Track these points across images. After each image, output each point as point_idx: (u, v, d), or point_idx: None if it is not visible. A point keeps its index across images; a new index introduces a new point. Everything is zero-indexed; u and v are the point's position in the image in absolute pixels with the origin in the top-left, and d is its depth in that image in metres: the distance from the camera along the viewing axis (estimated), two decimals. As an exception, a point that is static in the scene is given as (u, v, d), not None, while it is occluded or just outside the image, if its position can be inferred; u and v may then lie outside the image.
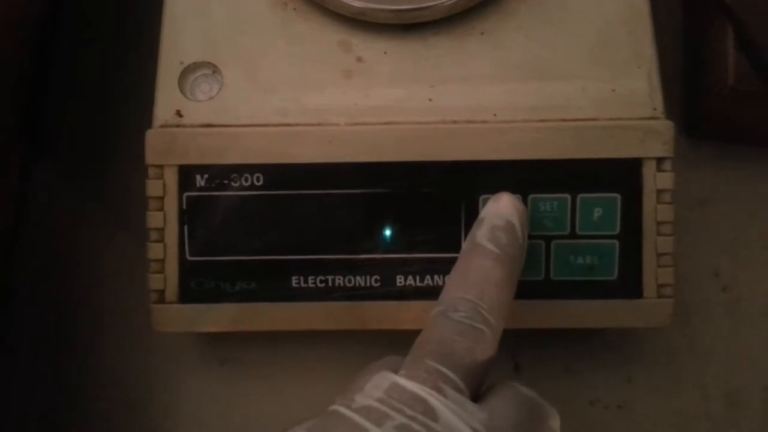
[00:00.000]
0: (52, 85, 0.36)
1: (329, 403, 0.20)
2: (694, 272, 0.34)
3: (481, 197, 0.27)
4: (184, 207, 0.27)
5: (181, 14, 0.30)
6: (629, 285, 0.28)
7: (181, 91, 0.29)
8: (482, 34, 0.30)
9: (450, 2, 0.29)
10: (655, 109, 0.28)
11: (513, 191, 0.27)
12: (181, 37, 0.29)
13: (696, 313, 0.34)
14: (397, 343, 0.32)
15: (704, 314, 0.34)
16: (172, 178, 0.27)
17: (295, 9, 0.30)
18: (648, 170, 0.27)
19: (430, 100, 0.29)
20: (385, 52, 0.29)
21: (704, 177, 0.36)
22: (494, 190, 0.27)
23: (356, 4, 0.29)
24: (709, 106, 0.35)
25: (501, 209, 0.25)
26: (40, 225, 0.34)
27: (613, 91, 0.29)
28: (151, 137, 0.27)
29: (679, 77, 0.37)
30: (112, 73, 0.36)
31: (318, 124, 0.28)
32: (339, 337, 0.29)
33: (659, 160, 0.27)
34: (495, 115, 0.28)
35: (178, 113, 0.28)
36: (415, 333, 0.28)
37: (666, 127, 0.28)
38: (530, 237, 0.27)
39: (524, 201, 0.27)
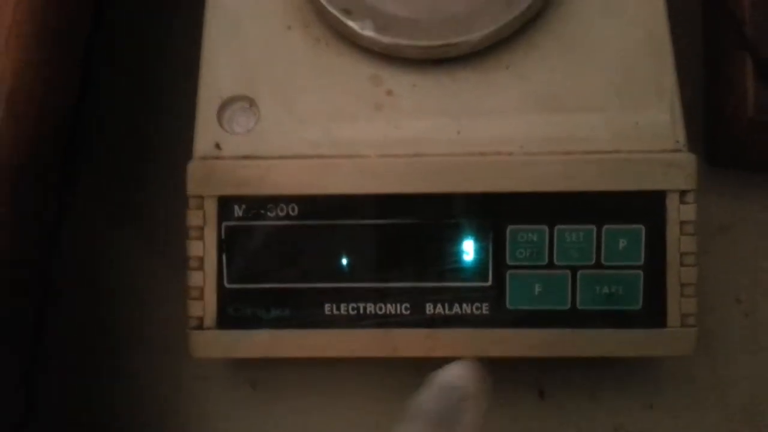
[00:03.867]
0: (92, 118, 0.38)
1: (357, 429, 0.20)
2: (716, 298, 0.35)
3: (509, 227, 0.28)
4: (223, 236, 0.28)
5: (219, 50, 0.31)
6: (653, 314, 0.28)
7: (220, 124, 0.30)
8: (508, 67, 0.31)
9: (477, 38, 0.30)
10: (677, 141, 0.29)
11: (539, 222, 0.28)
12: (219, 72, 0.31)
13: (718, 339, 0.34)
14: (426, 371, 0.33)
15: (726, 340, 0.34)
16: (211, 208, 0.28)
17: (327, 44, 0.31)
18: (671, 202, 0.28)
19: (458, 132, 0.30)
20: (414, 86, 0.30)
21: (724, 204, 0.36)
22: (521, 220, 0.28)
23: (386, 40, 0.30)
24: (728, 135, 0.36)
25: (450, 377, 0.23)
26: (77, 253, 0.36)
27: (636, 123, 0.29)
28: (192, 169, 0.29)
29: (699, 106, 0.37)
30: (148, 106, 0.37)
31: (349, 156, 0.29)
32: (369, 364, 0.30)
33: (682, 193, 0.28)
34: (521, 147, 0.29)
35: (217, 146, 0.29)
36: (444, 360, 0.29)
37: (689, 160, 0.28)
38: (556, 267, 0.28)
39: (551, 232, 0.28)
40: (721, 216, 0.36)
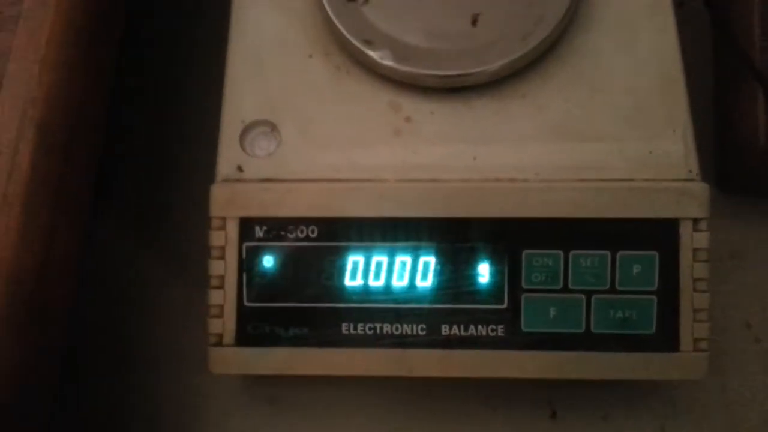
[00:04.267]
0: (117, 142, 0.39)
1: None
2: (726, 323, 0.35)
3: (524, 252, 0.29)
4: (244, 256, 0.29)
5: (242, 76, 0.32)
6: (666, 339, 0.29)
7: (242, 147, 0.31)
8: (524, 97, 0.31)
9: (494, 68, 0.31)
10: (690, 171, 0.30)
11: (554, 247, 0.29)
12: (241, 97, 0.32)
13: (729, 363, 0.35)
14: (441, 390, 0.34)
15: (737, 365, 0.35)
16: (233, 229, 0.29)
17: (347, 72, 0.32)
18: (685, 230, 0.29)
19: (474, 158, 0.30)
20: (432, 113, 0.31)
21: (735, 230, 0.37)
22: (537, 245, 0.29)
23: (405, 69, 0.31)
24: (740, 164, 0.36)
25: None
26: (102, 273, 0.37)
27: (650, 153, 0.30)
28: (216, 191, 0.29)
29: (709, 132, 0.38)
30: (171, 129, 0.39)
31: (368, 180, 0.30)
32: (385, 383, 0.31)
33: (695, 221, 0.29)
34: (536, 174, 0.30)
35: (239, 168, 0.30)
36: (459, 380, 0.29)
37: (702, 189, 0.29)
38: (571, 291, 0.29)
39: (566, 256, 0.29)
40: (732, 242, 0.37)
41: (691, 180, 0.30)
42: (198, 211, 0.30)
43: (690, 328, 0.29)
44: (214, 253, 0.29)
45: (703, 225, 0.29)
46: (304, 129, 0.31)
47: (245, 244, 0.29)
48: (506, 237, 0.29)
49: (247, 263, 0.29)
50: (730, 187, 0.37)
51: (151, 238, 0.37)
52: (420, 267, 0.29)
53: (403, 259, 0.29)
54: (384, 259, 0.29)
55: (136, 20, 0.39)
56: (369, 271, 0.29)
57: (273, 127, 0.31)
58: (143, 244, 0.37)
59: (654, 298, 0.29)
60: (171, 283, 0.36)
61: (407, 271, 0.29)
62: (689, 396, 0.34)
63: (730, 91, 0.37)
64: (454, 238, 0.29)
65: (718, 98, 0.39)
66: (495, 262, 0.29)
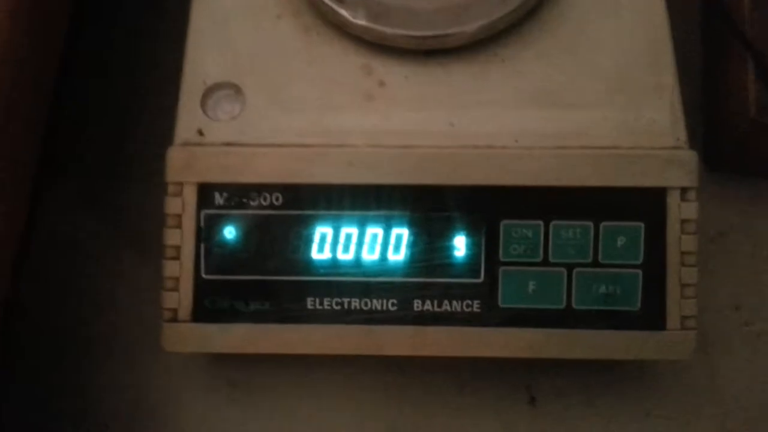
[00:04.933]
0: (69, 104, 0.36)
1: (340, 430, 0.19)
2: (714, 304, 0.34)
3: (502, 222, 0.27)
4: (202, 225, 0.27)
5: (205, 35, 0.30)
6: (652, 316, 0.27)
7: (203, 110, 0.29)
8: (503, 61, 0.30)
9: (471, 30, 0.29)
10: (678, 139, 0.28)
11: (534, 218, 0.27)
12: (204, 58, 0.30)
13: (716, 345, 0.33)
14: (412, 371, 0.32)
15: (724, 347, 0.33)
16: (191, 195, 0.27)
17: (318, 34, 0.30)
18: (672, 200, 0.27)
19: (451, 124, 0.29)
20: (407, 77, 0.29)
21: (723, 208, 0.35)
22: (516, 215, 0.27)
23: (378, 29, 0.29)
24: (728, 137, 0.35)
25: None
26: (51, 243, 0.34)
27: (635, 120, 0.28)
28: (172, 154, 0.27)
29: (697, 108, 0.37)
30: (128, 93, 0.36)
31: (338, 145, 0.28)
32: (353, 362, 0.29)
33: (683, 190, 0.27)
34: (516, 141, 0.28)
35: (200, 132, 0.28)
36: (432, 360, 0.27)
37: (690, 156, 0.27)
38: (551, 264, 0.27)
39: (546, 228, 0.27)
40: (720, 221, 0.35)
41: (680, 148, 0.28)
42: (157, 181, 0.28)
43: (677, 305, 0.27)
44: (170, 221, 0.27)
45: (691, 195, 0.27)
46: (271, 92, 0.29)
47: (203, 212, 0.27)
48: (483, 206, 0.27)
49: (206, 232, 0.27)
50: (719, 164, 0.36)
51: (104, 210, 0.34)
52: (392, 238, 0.27)
53: (374, 230, 0.27)
54: (353, 230, 0.27)
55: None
56: (337, 242, 0.27)
57: (237, 90, 0.29)
58: (96, 216, 0.34)
59: (639, 272, 0.27)
60: (125, 257, 0.33)
61: (378, 243, 0.27)
62: (676, 380, 0.33)
63: (718, 61, 0.36)
64: (427, 207, 0.27)
65: (706, 70, 0.37)
66: (471, 233, 0.27)
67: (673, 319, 0.27)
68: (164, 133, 0.28)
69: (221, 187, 0.27)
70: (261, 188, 0.27)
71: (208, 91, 0.29)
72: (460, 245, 0.27)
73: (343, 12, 0.29)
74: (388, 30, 0.29)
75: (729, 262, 0.34)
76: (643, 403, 0.32)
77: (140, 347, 0.32)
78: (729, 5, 0.34)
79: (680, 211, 0.27)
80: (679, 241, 0.27)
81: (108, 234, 0.34)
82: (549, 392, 0.32)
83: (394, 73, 0.29)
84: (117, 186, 0.35)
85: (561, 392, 0.32)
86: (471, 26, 0.29)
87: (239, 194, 0.27)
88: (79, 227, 0.34)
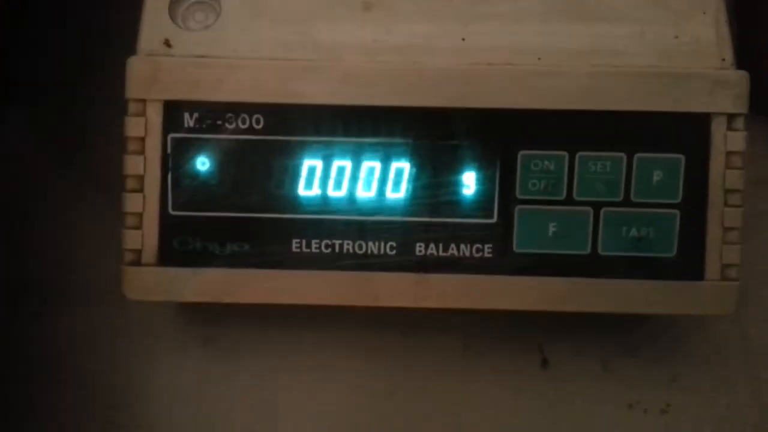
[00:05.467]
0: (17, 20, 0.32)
1: (326, 394, 0.16)
2: (748, 259, 0.30)
3: (520, 153, 0.23)
4: (169, 151, 0.23)
5: (175, -68, 0.26)
6: (689, 264, 0.24)
7: (172, 18, 0.25)
8: (524, -33, 0.26)
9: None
10: (723, 59, 0.24)
11: (557, 147, 0.23)
12: (173, -41, 0.25)
13: (750, 304, 0.30)
14: (412, 325, 0.28)
15: (759, 306, 0.30)
16: (155, 115, 0.23)
17: (307, -71, 0.26)
18: (717, 128, 0.23)
19: (462, 39, 0.25)
20: (412, -16, 0.25)
21: (760, 155, 0.32)
22: (536, 144, 0.23)
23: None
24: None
25: None
26: (4, 172, 0.30)
27: (676, 38, 0.25)
28: (134, 66, 0.23)
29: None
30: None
31: (329, 62, 0.24)
32: (344, 315, 0.25)
33: (730, 117, 0.23)
34: (539, 59, 0.24)
35: (167, 43, 0.24)
36: (435, 312, 0.24)
37: (739, 77, 0.24)
38: (576, 203, 0.23)
39: (571, 159, 0.23)
40: (757, 168, 0.31)
41: (726, 69, 0.24)
42: (118, 109, 0.24)
43: (718, 251, 0.24)
44: (131, 146, 0.23)
45: (739, 123, 0.24)
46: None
47: (171, 136, 0.23)
48: (498, 133, 0.23)
49: (174, 160, 0.23)
50: (754, 105, 0.32)
51: (59, 143, 0.30)
52: (391, 171, 0.23)
53: (371, 160, 0.23)
54: (347, 160, 0.23)
55: None
56: (328, 174, 0.23)
57: (212, -3, 0.25)
58: (50, 149, 0.30)
59: (677, 212, 0.23)
60: (85, 195, 0.29)
61: (375, 176, 0.23)
62: (704, 343, 0.29)
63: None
64: (433, 133, 0.23)
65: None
66: (483, 165, 0.23)
67: (712, 268, 0.24)
68: (127, 48, 0.24)
69: (191, 106, 0.23)
70: (238, 108, 0.23)
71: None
72: (469, 180, 0.23)
73: None
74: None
75: (765, 213, 0.31)
76: (668, 367, 0.29)
77: (102, 297, 0.28)
78: None
79: (726, 141, 0.23)
80: (723, 177, 0.23)
81: (65, 166, 0.30)
82: (563, 354, 0.29)
83: (397, -22, 0.25)
84: (75, 111, 0.30)
85: (577, 354, 0.29)
86: None
87: (213, 115, 0.23)
88: (32, 160, 0.30)
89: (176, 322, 0.28)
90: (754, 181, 0.31)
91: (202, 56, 0.24)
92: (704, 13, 0.25)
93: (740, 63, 0.32)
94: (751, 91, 0.32)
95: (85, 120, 0.30)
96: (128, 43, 0.25)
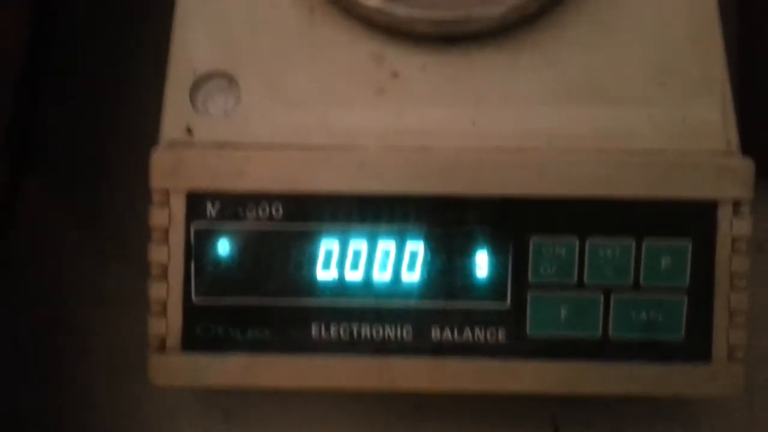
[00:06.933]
0: (47, 91, 0.33)
1: None
2: (756, 328, 0.31)
3: (532, 239, 0.24)
4: (192, 240, 0.24)
5: (195, 17, 0.26)
6: (697, 347, 0.24)
7: (192, 104, 0.25)
8: (534, 49, 0.26)
9: (499, 13, 0.25)
10: (729, 142, 0.25)
11: (568, 233, 0.24)
12: (194, 43, 0.26)
13: (758, 375, 0.30)
14: (429, 407, 0.29)
15: (766, 378, 0.30)
16: (178, 205, 0.24)
17: (323, 15, 0.27)
18: (723, 214, 0.24)
19: (473, 122, 0.25)
20: (424, 67, 0.26)
21: (764, 218, 0.32)
22: (547, 230, 0.24)
23: (392, 11, 0.25)
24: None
25: None
26: (27, 247, 0.31)
27: (682, 120, 0.25)
28: (158, 157, 0.24)
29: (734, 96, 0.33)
30: (113, 80, 0.32)
31: (345, 146, 0.25)
32: (363, 397, 0.26)
33: (736, 203, 0.24)
34: (548, 141, 0.25)
35: (188, 130, 0.25)
36: (451, 396, 0.24)
37: (745, 165, 0.24)
38: (587, 287, 0.24)
39: (582, 245, 0.24)
40: (761, 232, 0.32)
41: (731, 153, 0.25)
42: (143, 181, 0.24)
43: (725, 333, 0.24)
44: (156, 235, 0.24)
45: (744, 209, 0.24)
46: (269, 84, 0.26)
47: (193, 225, 0.24)
48: (510, 219, 0.24)
49: (196, 249, 0.24)
50: (760, 167, 0.33)
51: (85, 214, 0.31)
52: (406, 256, 0.24)
53: (386, 246, 0.24)
54: (363, 246, 0.24)
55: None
56: (345, 260, 0.24)
57: (231, 81, 0.26)
58: (75, 222, 0.31)
59: (684, 297, 0.24)
60: (109, 269, 0.30)
61: (390, 261, 0.24)
62: (713, 413, 0.30)
63: (760, 46, 0.32)
64: (447, 219, 0.24)
65: (745, 51, 0.34)
66: (496, 251, 0.24)
67: (719, 349, 0.24)
68: (149, 132, 0.25)
69: (213, 196, 0.24)
70: (258, 197, 0.24)
71: (198, 82, 0.26)
72: (483, 265, 0.24)
73: (353, -9, 0.25)
74: (403, 12, 0.25)
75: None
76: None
77: (125, 372, 0.29)
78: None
79: (732, 226, 0.24)
80: (729, 261, 0.24)
81: (89, 244, 0.30)
82: (575, 423, 0.29)
83: (410, 63, 0.26)
84: (102, 185, 0.31)
85: (588, 423, 0.29)
86: (498, 8, 0.25)
87: (234, 204, 0.24)
88: (57, 236, 0.31)
89: (198, 396, 0.29)
90: (755, 247, 0.32)
91: (223, 143, 0.24)
92: (710, 93, 0.26)
93: (743, 121, 0.33)
94: (747, 150, 0.32)
95: (105, 194, 0.31)
96: (148, 107, 0.25)
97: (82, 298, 0.30)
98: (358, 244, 0.24)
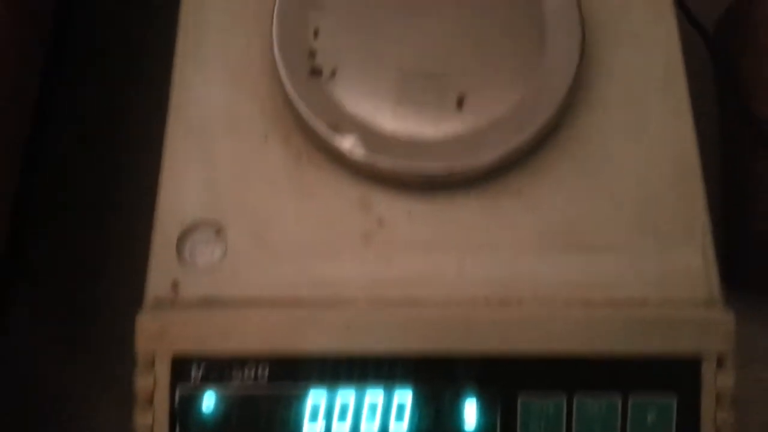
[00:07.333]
0: (43, 208, 0.33)
1: None
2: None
3: (520, 399, 0.24)
4: (177, 404, 0.23)
5: (183, 165, 0.27)
6: (683, 504, 0.24)
7: (179, 255, 0.25)
8: (518, 193, 0.27)
9: (483, 162, 0.26)
10: (711, 291, 0.25)
11: (555, 390, 0.24)
12: (181, 191, 0.26)
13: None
14: None
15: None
16: (164, 369, 0.23)
17: (309, 160, 0.27)
18: (707, 368, 0.24)
19: (459, 271, 0.25)
20: (409, 213, 0.26)
21: (745, 333, 0.32)
22: (535, 387, 0.24)
23: (378, 162, 0.26)
24: (754, 251, 0.32)
25: None
26: (11, 384, 0.30)
27: (665, 268, 0.26)
28: (143, 321, 0.24)
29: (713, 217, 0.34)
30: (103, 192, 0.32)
31: (333, 301, 0.25)
32: None
33: (720, 356, 0.24)
34: (533, 291, 0.25)
35: (174, 285, 0.25)
36: None
37: (727, 318, 0.25)
38: (575, 445, 0.24)
39: (569, 402, 0.24)
40: (740, 347, 0.32)
41: (713, 304, 0.25)
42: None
43: (711, 488, 0.24)
44: (140, 397, 0.24)
45: (728, 362, 0.24)
46: (256, 233, 0.26)
47: (179, 389, 0.24)
48: (498, 377, 0.24)
49: (181, 413, 0.23)
50: (741, 281, 0.33)
51: (73, 343, 0.31)
52: (393, 412, 0.24)
53: (374, 406, 0.24)
54: (350, 407, 0.24)
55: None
56: (332, 417, 0.24)
57: (219, 229, 0.26)
58: (64, 351, 0.31)
59: (671, 453, 0.24)
60: (98, 400, 0.30)
61: (379, 421, 0.24)
62: None
63: (742, 165, 0.33)
64: (434, 379, 0.24)
65: (728, 174, 0.35)
66: (485, 408, 0.24)
67: (705, 504, 0.24)
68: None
69: (198, 359, 0.24)
70: (244, 359, 0.24)
71: (186, 232, 0.26)
72: (471, 422, 0.24)
73: (339, 144, 0.26)
74: (389, 163, 0.26)
75: (759, 395, 0.32)
76: None
77: None
78: (751, 108, 0.31)
79: (716, 380, 0.24)
80: (714, 416, 0.24)
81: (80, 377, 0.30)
82: None
83: (395, 209, 0.26)
84: (93, 314, 0.31)
85: None
86: (483, 158, 0.26)
87: (220, 366, 0.24)
88: (49, 366, 0.30)
89: None
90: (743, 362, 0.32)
91: (210, 300, 0.24)
92: (691, 238, 0.26)
93: (727, 236, 0.34)
94: (729, 265, 0.33)
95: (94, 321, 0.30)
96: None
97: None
98: (345, 406, 0.24)
